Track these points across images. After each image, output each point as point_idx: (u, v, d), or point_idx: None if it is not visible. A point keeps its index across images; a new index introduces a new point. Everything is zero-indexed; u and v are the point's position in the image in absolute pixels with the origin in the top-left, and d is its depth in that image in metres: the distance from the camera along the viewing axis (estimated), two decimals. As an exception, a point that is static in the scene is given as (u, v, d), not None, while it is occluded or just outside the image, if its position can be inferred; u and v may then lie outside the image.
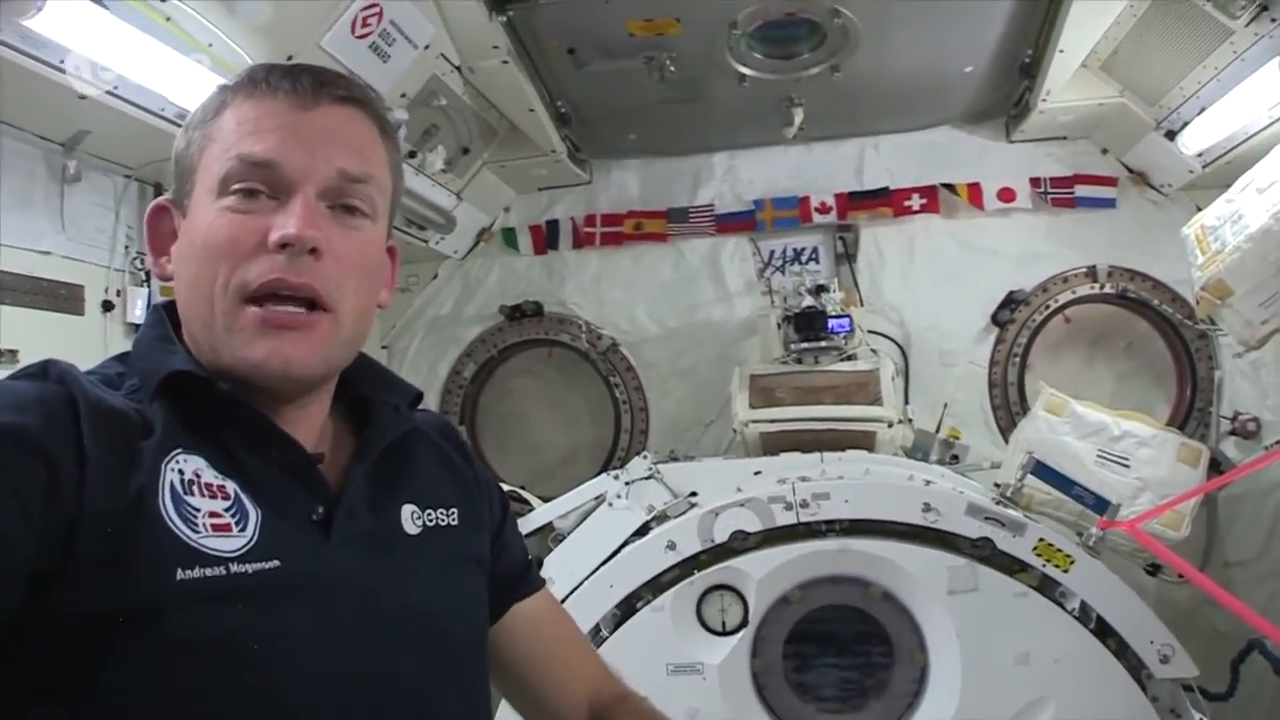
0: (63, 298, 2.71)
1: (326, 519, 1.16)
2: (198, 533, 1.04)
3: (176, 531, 1.03)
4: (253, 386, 1.16)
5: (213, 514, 1.06)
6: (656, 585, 2.69)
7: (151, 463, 1.05)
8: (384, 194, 1.25)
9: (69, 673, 0.98)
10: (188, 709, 1.02)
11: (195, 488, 1.07)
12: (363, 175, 1.20)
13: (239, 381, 1.15)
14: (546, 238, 4.95)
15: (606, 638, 2.65)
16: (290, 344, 1.14)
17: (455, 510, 1.33)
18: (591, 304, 4.92)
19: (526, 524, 2.98)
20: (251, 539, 1.08)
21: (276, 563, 1.08)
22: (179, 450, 1.08)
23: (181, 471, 1.07)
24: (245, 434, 1.15)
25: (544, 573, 2.78)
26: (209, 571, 1.03)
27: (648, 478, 3.04)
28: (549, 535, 2.99)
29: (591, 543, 2.87)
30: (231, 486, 1.10)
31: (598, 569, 2.75)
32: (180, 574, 1.01)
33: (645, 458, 3.15)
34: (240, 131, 1.16)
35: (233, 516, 1.08)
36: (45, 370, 1.09)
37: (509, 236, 4.98)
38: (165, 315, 1.23)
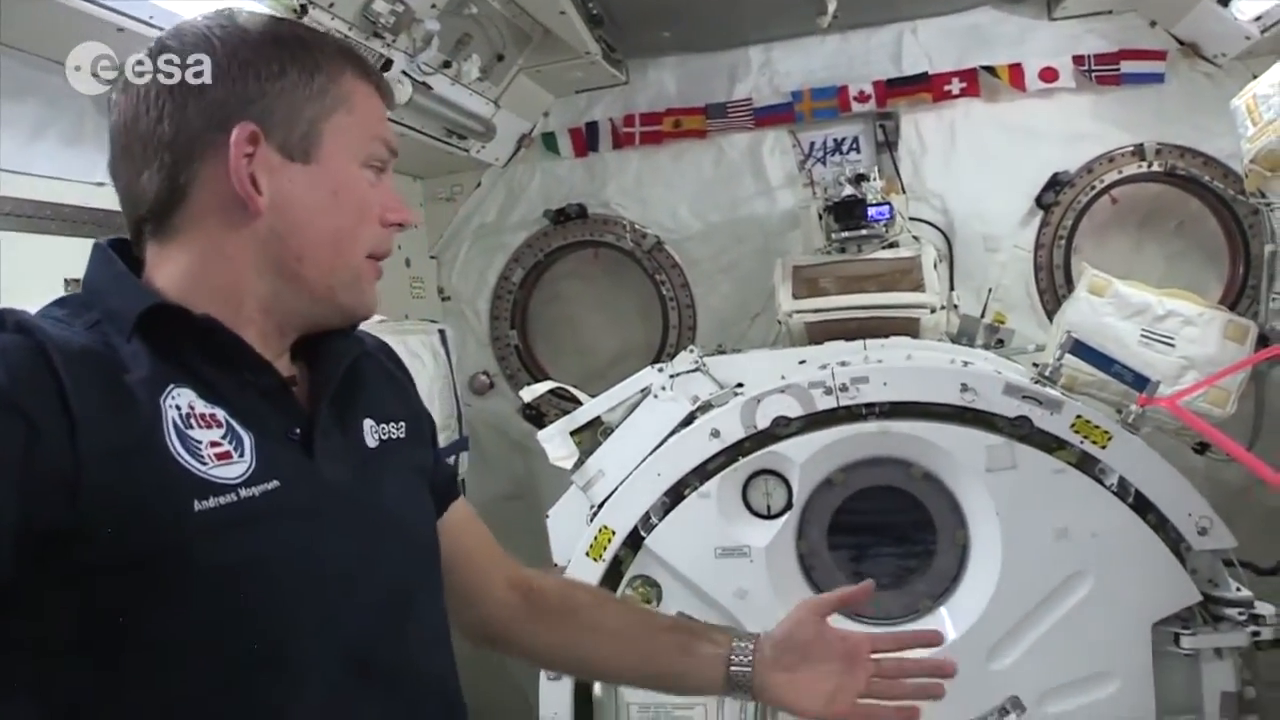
0: (119, 226, 2.79)
1: (305, 438, 1.24)
2: (205, 464, 1.10)
3: (186, 465, 1.09)
4: (310, 327, 1.34)
5: (213, 443, 1.12)
6: (702, 472, 2.76)
7: (149, 399, 1.09)
8: None
9: (102, 622, 1.03)
10: (220, 636, 1.09)
11: (193, 419, 1.12)
12: None
13: (316, 320, 1.32)
14: (586, 140, 4.95)
15: (656, 524, 2.74)
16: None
17: (403, 424, 1.44)
18: (634, 204, 4.94)
19: (575, 419, 3.05)
20: (251, 463, 1.15)
21: (276, 483, 1.16)
22: (171, 384, 1.13)
23: (178, 406, 1.12)
24: (223, 361, 1.20)
25: (594, 465, 2.93)
26: (222, 500, 1.10)
27: (693, 370, 3.09)
28: (598, 429, 3.06)
29: (639, 434, 2.94)
30: (221, 414, 1.15)
31: (645, 459, 2.83)
32: (197, 505, 1.07)
33: (691, 351, 3.20)
34: (377, 114, 1.35)
35: (230, 444, 1.14)
36: (2, 320, 1.08)
37: (549, 141, 4.98)
38: (114, 253, 1.26)
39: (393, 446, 1.40)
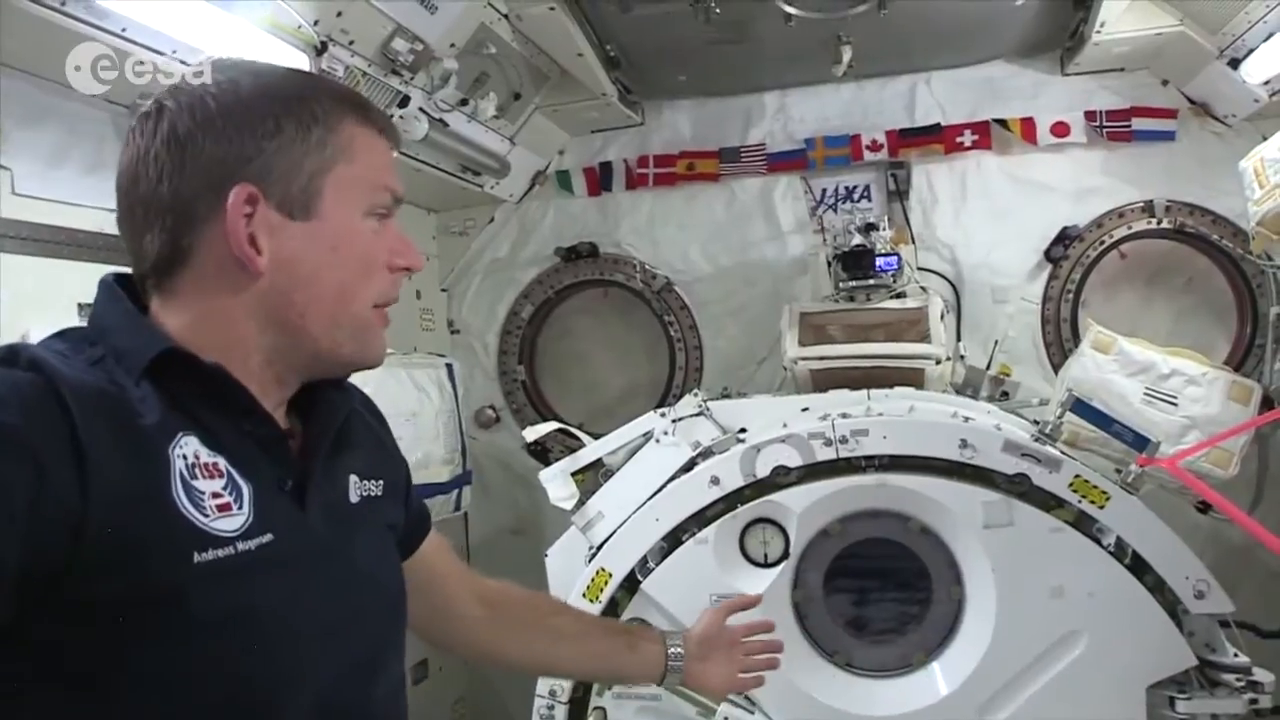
0: (134, 253, 2.85)
1: (298, 489, 1.26)
2: (207, 516, 1.11)
3: (189, 516, 1.10)
4: (310, 375, 1.34)
5: (215, 494, 1.13)
6: (701, 519, 2.77)
7: (158, 448, 1.11)
8: None
9: (88, 663, 1.03)
10: (208, 683, 1.10)
11: (198, 469, 1.13)
12: None
13: (321, 369, 1.33)
14: (600, 179, 5.01)
15: (653, 569, 2.75)
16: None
17: (381, 482, 1.47)
18: (645, 244, 4.98)
19: (577, 460, 3.07)
20: (249, 516, 1.16)
21: (270, 536, 1.17)
22: (180, 433, 1.13)
23: (185, 455, 1.13)
24: (226, 410, 1.21)
25: (595, 507, 2.94)
26: (220, 552, 1.11)
27: (697, 414, 3.10)
28: (599, 471, 3.08)
29: (639, 478, 2.95)
30: (223, 464, 1.16)
31: (645, 503, 2.84)
32: (196, 557, 1.09)
33: (696, 395, 3.22)
34: (381, 163, 1.34)
35: (230, 495, 1.15)
36: (14, 356, 1.08)
37: (563, 179, 5.04)
38: (123, 290, 1.26)
39: (371, 504, 1.42)
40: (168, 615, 1.06)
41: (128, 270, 1.29)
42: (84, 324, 1.25)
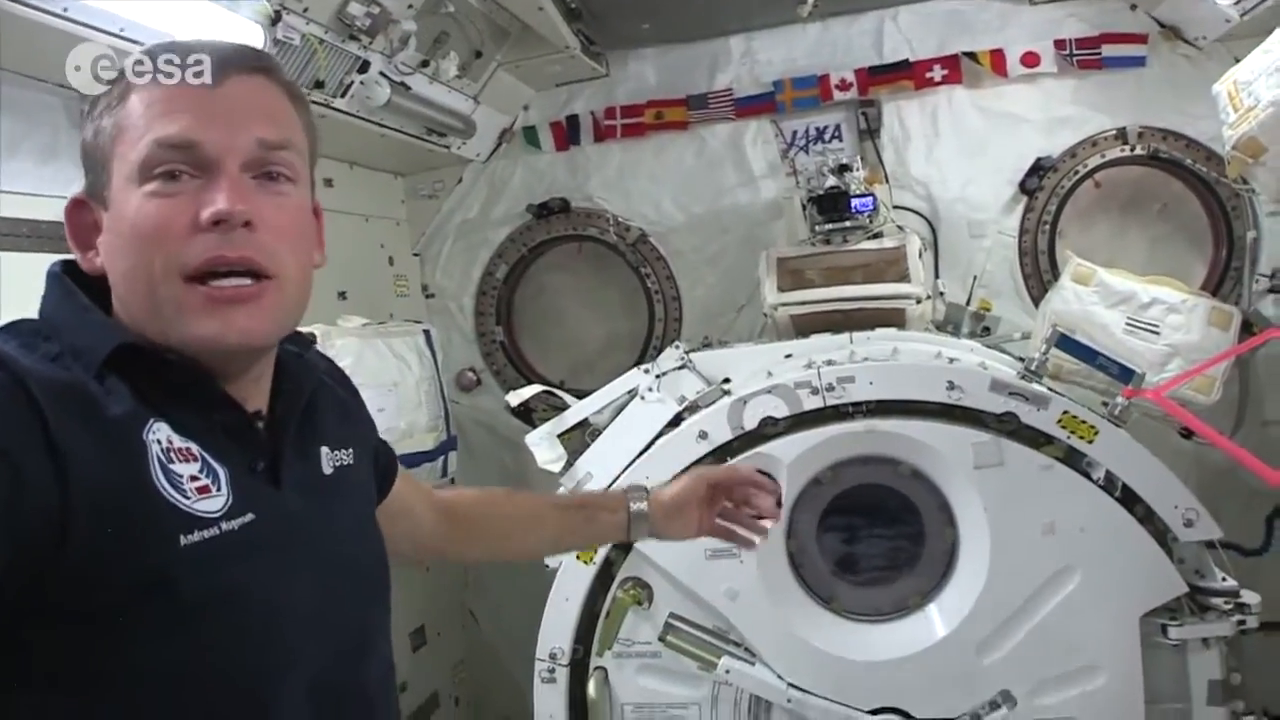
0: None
1: (271, 470, 1.24)
2: (188, 498, 1.10)
3: (172, 500, 1.08)
4: (205, 365, 1.21)
5: (193, 477, 1.12)
6: (691, 474, 2.77)
7: (131, 435, 1.09)
8: (303, 157, 1.28)
9: (81, 658, 1.02)
10: (201, 669, 1.09)
11: (173, 454, 1.11)
12: (282, 142, 1.23)
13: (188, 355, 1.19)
14: (568, 133, 4.91)
15: (646, 527, 2.75)
16: (245, 316, 1.18)
17: (351, 449, 1.44)
18: (617, 196, 4.91)
19: (562, 422, 3.05)
20: (228, 497, 1.14)
21: (251, 516, 1.16)
22: (150, 419, 1.12)
23: (159, 440, 1.11)
24: (189, 399, 1.18)
25: (582, 468, 2.93)
26: (205, 533, 1.10)
27: (680, 368, 3.09)
28: (585, 431, 3.06)
29: (626, 436, 2.94)
30: (195, 448, 1.15)
31: (633, 462, 2.83)
32: (183, 539, 1.07)
33: (677, 347, 3.20)
34: (150, 115, 1.17)
35: (208, 477, 1.14)
36: None
37: (530, 135, 4.95)
38: (73, 283, 1.23)
39: (345, 473, 1.40)
40: (157, 602, 1.05)
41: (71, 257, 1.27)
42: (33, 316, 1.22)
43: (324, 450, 1.37)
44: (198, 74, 1.19)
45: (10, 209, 2.65)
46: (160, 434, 1.11)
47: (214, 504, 1.12)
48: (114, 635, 1.04)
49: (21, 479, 0.97)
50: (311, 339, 1.51)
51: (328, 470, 1.37)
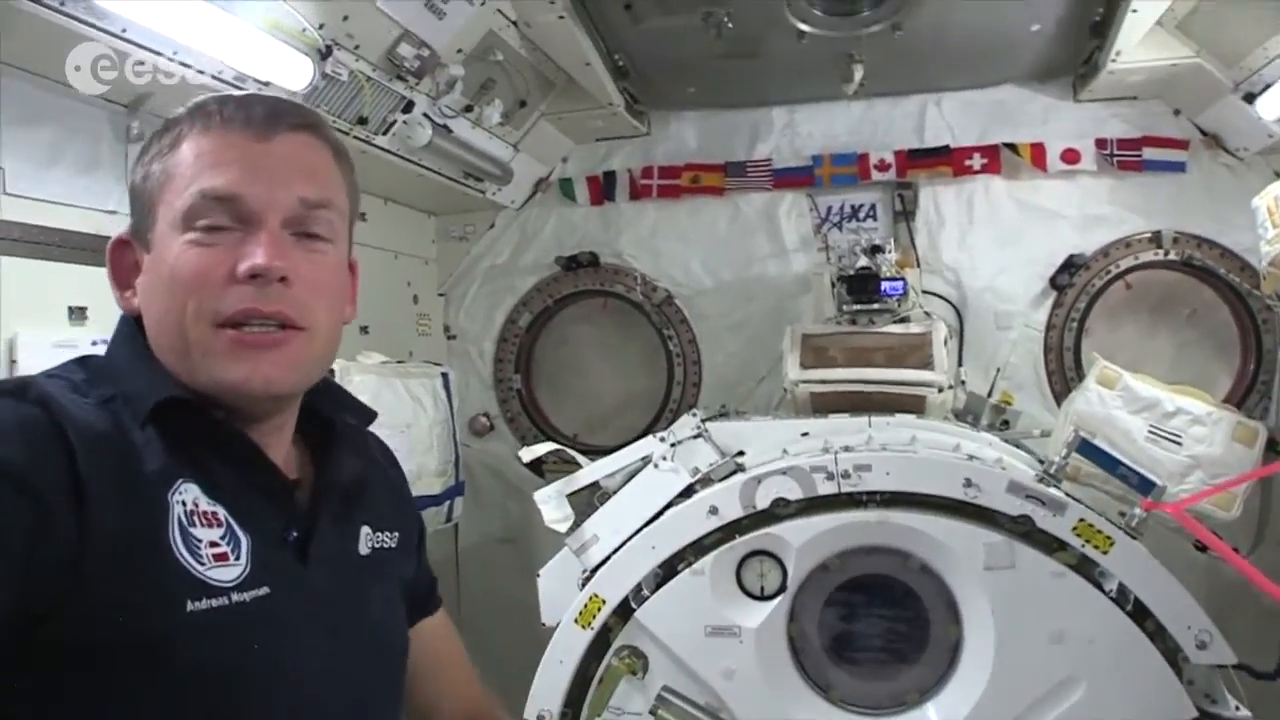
0: (129, 253, 2.78)
1: (301, 541, 1.23)
2: (203, 565, 1.10)
3: (185, 565, 1.08)
4: (229, 408, 1.20)
5: (212, 544, 1.12)
6: (698, 548, 2.72)
7: (158, 494, 1.09)
8: (343, 217, 1.30)
9: (73, 709, 1.01)
10: None
11: (196, 517, 1.11)
12: (323, 201, 1.25)
13: (217, 404, 1.20)
14: (603, 189, 4.95)
15: (648, 597, 2.71)
16: (269, 363, 1.19)
17: (396, 534, 1.43)
18: (647, 256, 4.94)
19: (573, 482, 3.03)
20: (246, 567, 1.14)
21: (266, 589, 1.15)
22: (180, 480, 1.12)
23: (184, 503, 1.11)
24: (230, 459, 1.19)
25: (589, 530, 2.90)
26: (214, 602, 1.09)
27: (695, 436, 3.06)
28: (595, 494, 3.04)
29: (636, 504, 2.91)
30: (222, 513, 1.15)
31: (641, 529, 2.80)
32: (190, 606, 1.07)
33: (694, 414, 3.16)
34: (199, 165, 1.19)
35: (228, 545, 1.14)
36: (23, 389, 1.08)
37: (566, 187, 4.99)
38: (137, 328, 1.25)
39: (383, 556, 1.39)
40: (155, 663, 1.04)
41: None
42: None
43: (365, 530, 1.37)
44: (246, 125, 1.21)
45: (47, 218, 2.69)
46: (187, 495, 1.12)
47: (229, 573, 1.12)
48: (107, 691, 1.03)
49: (47, 519, 0.98)
50: (372, 415, 1.49)
51: (364, 550, 1.36)
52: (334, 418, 1.39)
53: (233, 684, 1.11)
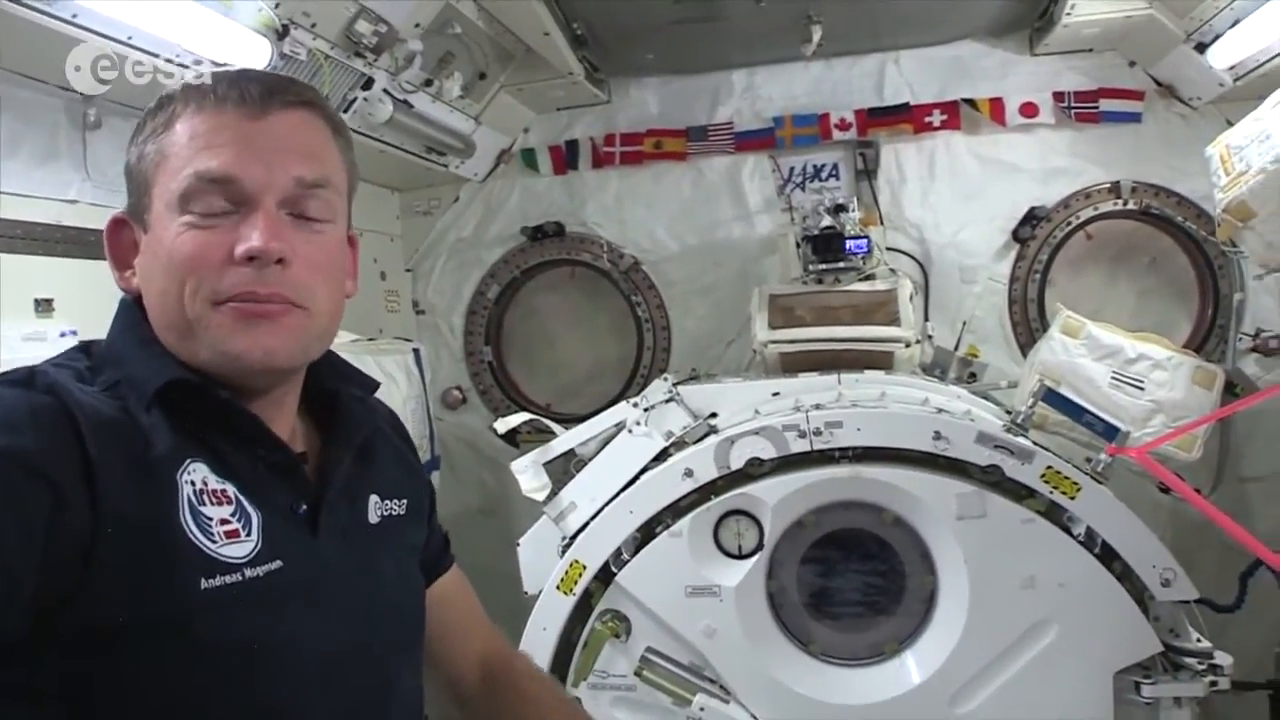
0: (91, 244, 2.74)
1: (311, 513, 1.24)
2: (215, 542, 1.10)
3: (197, 543, 1.08)
4: (230, 383, 1.20)
5: (223, 520, 1.12)
6: (675, 510, 2.77)
7: (166, 475, 1.10)
8: (341, 195, 1.29)
9: (90, 687, 1.02)
10: (209, 707, 1.09)
11: (205, 496, 1.12)
12: (320, 180, 1.24)
13: (221, 383, 1.19)
14: (566, 158, 4.94)
15: (627, 561, 2.75)
16: (269, 334, 1.18)
17: (405, 501, 1.43)
18: (612, 223, 4.94)
19: (548, 451, 3.05)
20: (257, 542, 1.14)
21: (279, 563, 1.15)
22: (188, 460, 1.12)
23: (193, 482, 1.12)
24: (236, 436, 1.19)
25: (566, 498, 2.92)
26: (228, 579, 1.09)
27: (667, 401, 3.09)
28: (571, 461, 3.06)
29: (612, 469, 2.94)
30: (231, 490, 1.15)
31: (618, 495, 2.83)
32: (204, 583, 1.07)
33: (666, 379, 3.19)
34: (194, 147, 1.18)
35: (239, 521, 1.14)
36: (31, 378, 1.09)
37: (529, 157, 4.97)
38: (137, 309, 1.25)
39: (393, 523, 1.39)
40: (172, 642, 1.05)
41: None
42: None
43: (373, 498, 1.37)
44: (240, 104, 1.20)
45: (4, 210, 2.64)
46: (196, 475, 1.12)
47: (241, 549, 1.12)
48: (124, 669, 1.03)
49: (62, 503, 0.98)
50: (375, 385, 1.49)
51: (374, 519, 1.36)
52: (338, 389, 1.39)
53: (251, 658, 1.11)
